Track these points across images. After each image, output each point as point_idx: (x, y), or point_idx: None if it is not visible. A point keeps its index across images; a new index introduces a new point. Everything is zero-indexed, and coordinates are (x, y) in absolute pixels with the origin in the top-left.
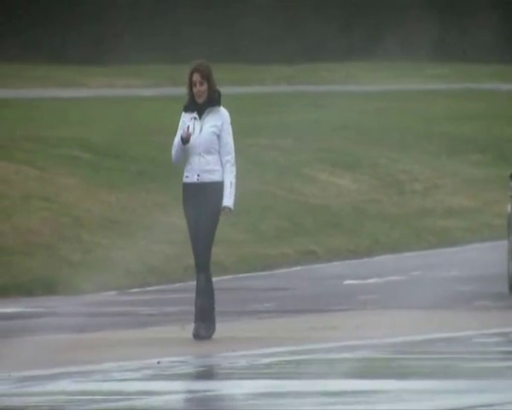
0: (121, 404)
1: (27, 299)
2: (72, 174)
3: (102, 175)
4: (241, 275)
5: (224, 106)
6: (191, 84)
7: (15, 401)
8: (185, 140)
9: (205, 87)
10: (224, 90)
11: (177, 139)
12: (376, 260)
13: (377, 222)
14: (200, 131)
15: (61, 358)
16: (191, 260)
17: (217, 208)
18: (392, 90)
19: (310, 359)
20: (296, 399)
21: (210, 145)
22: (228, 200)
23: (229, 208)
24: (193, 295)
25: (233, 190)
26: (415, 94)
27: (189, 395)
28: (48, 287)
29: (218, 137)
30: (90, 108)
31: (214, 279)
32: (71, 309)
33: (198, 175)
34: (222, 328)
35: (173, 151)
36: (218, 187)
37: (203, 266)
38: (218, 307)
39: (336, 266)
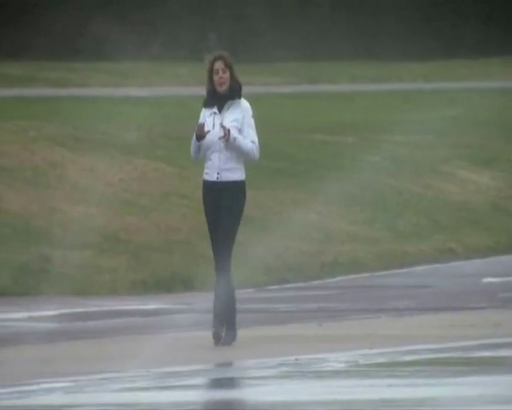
0: (260, 401)
1: (166, 295)
2: None
3: None
4: (378, 273)
5: (361, 103)
6: (211, 76)
7: (154, 397)
8: (199, 136)
9: (227, 75)
10: (361, 87)
11: (194, 136)
12: None
13: None
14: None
15: (199, 354)
16: (328, 258)
17: (238, 209)
18: None
19: (449, 357)
20: (437, 398)
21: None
22: (236, 135)
23: (231, 134)
24: (330, 292)
25: (244, 144)
26: None
27: (326, 394)
28: (186, 283)
29: (240, 131)
30: None
31: (352, 276)
32: (209, 306)
33: (218, 173)
34: (360, 326)
35: (191, 148)
36: (238, 186)
37: (223, 269)
38: (356, 305)
39: (475, 264)
